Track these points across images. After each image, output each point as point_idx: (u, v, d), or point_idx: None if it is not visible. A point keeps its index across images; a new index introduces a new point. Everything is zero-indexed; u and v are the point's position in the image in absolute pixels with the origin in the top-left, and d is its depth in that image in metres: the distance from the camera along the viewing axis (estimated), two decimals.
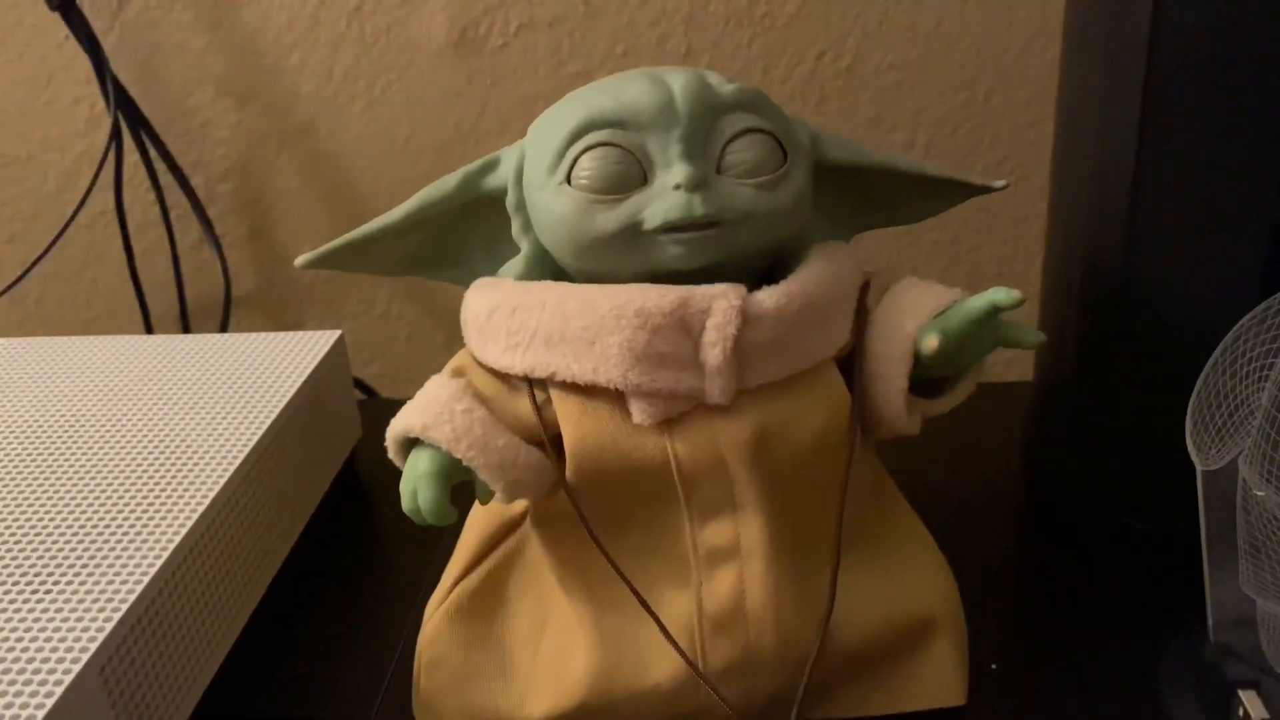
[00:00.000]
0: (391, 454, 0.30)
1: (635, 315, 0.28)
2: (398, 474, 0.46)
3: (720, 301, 0.28)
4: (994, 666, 0.33)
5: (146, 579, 0.30)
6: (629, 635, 0.30)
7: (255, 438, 0.37)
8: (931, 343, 0.29)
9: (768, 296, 0.28)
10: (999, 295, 0.29)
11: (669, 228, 0.28)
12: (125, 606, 0.28)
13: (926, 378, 0.31)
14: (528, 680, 0.31)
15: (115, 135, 0.53)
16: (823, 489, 0.30)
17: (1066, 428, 0.39)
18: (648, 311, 0.27)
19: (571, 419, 0.29)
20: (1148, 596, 0.35)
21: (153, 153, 0.55)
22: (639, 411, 0.29)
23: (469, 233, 0.33)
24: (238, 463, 0.35)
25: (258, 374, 0.41)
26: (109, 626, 0.28)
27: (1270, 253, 0.32)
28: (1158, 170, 0.33)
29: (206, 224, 0.55)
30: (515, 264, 0.31)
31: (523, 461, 0.29)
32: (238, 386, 0.40)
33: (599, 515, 0.30)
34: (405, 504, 0.29)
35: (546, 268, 0.31)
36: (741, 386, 0.28)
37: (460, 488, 0.29)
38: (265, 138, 0.57)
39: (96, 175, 0.53)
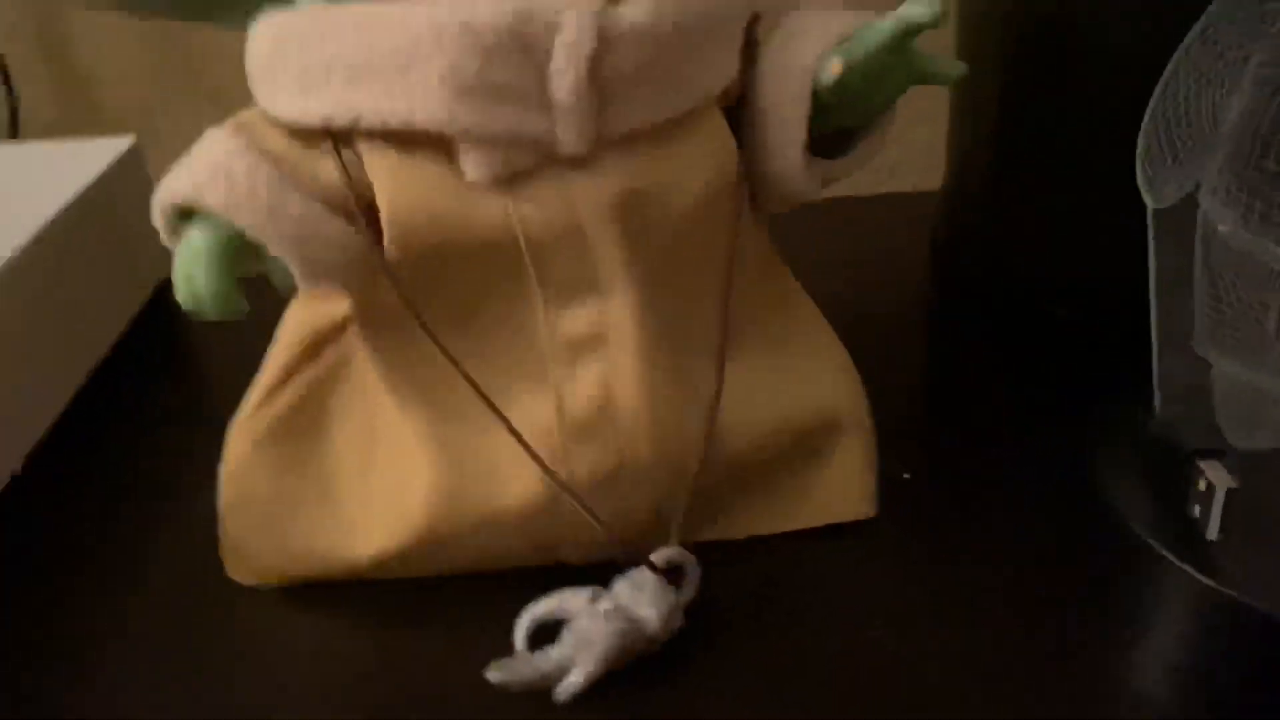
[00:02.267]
0: (163, 235, 0.24)
1: (461, 32, 0.21)
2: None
3: (570, 14, 0.21)
4: (906, 476, 0.29)
5: None
6: (476, 449, 0.24)
7: (19, 246, 0.30)
8: (835, 68, 0.24)
9: (634, 9, 0.22)
10: (915, 10, 0.23)
11: None
12: None
13: (825, 133, 0.26)
14: (356, 512, 0.26)
15: None
16: (703, 264, 0.25)
17: (981, 216, 0.34)
18: (477, 27, 0.21)
19: (387, 179, 0.23)
20: (1073, 387, 0.31)
21: None
22: (473, 165, 0.23)
23: None
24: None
25: (31, 183, 0.34)
26: None
27: None
28: None
29: None
30: None
31: (325, 234, 0.23)
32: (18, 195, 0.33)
33: (432, 304, 0.24)
34: (178, 292, 0.23)
35: None
36: (602, 133, 0.23)
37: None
38: None
39: None
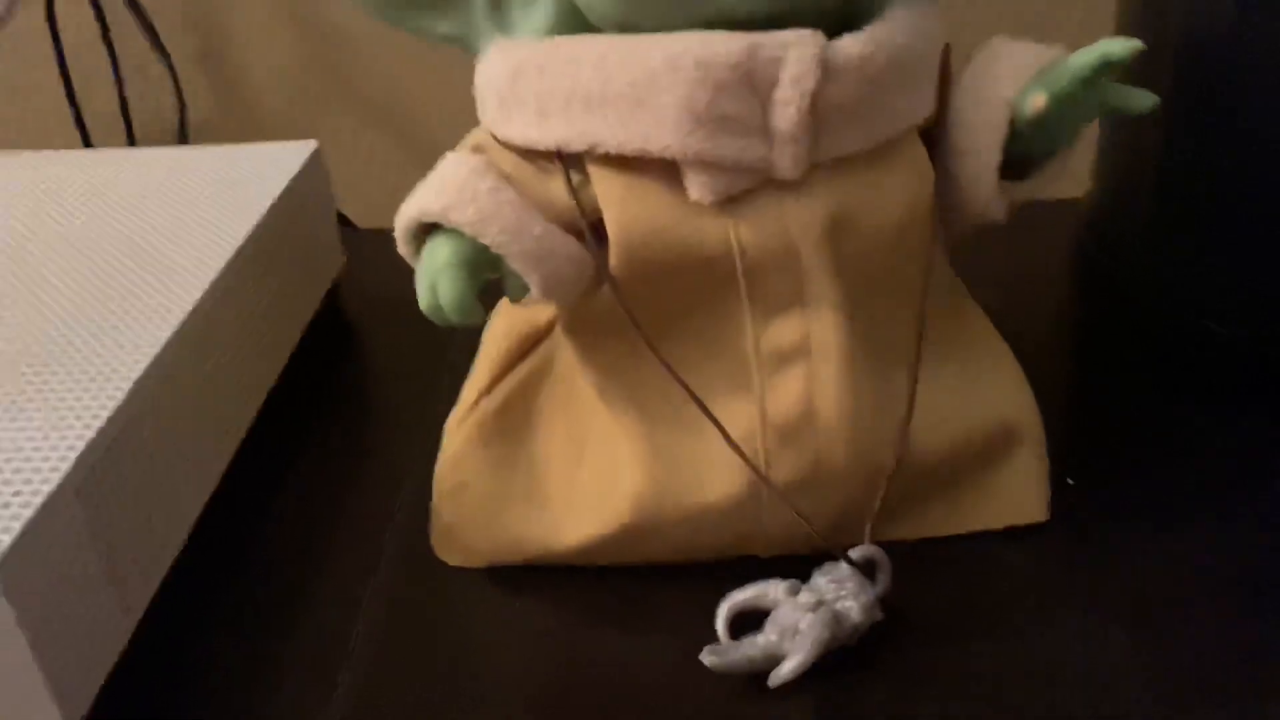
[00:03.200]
0: (401, 247, 0.26)
1: (695, 67, 0.23)
2: (387, 309, 0.43)
3: (796, 50, 0.23)
4: (1070, 481, 0.30)
5: (120, 395, 0.25)
6: (683, 449, 0.26)
7: (229, 253, 0.32)
8: (1038, 101, 0.25)
9: (852, 44, 0.23)
10: (1114, 46, 0.25)
11: None
12: (97, 424, 0.24)
13: (1008, 159, 0.27)
14: (564, 503, 0.28)
15: None
16: (900, 282, 0.27)
17: (1138, 228, 0.35)
18: (710, 62, 0.23)
19: (615, 199, 0.25)
20: (1231, 403, 0.32)
21: None
22: (697, 187, 0.24)
23: None
24: (210, 279, 0.31)
25: (227, 188, 0.36)
26: (81, 445, 0.24)
27: None
28: None
29: (155, 39, 0.49)
30: (536, 21, 0.26)
31: (561, 251, 0.25)
32: (205, 201, 0.35)
33: (646, 314, 0.26)
34: (423, 301, 0.25)
35: (576, 27, 0.26)
36: (815, 159, 0.24)
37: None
38: None
39: None
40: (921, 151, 0.26)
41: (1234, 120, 0.31)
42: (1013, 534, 0.28)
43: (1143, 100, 0.26)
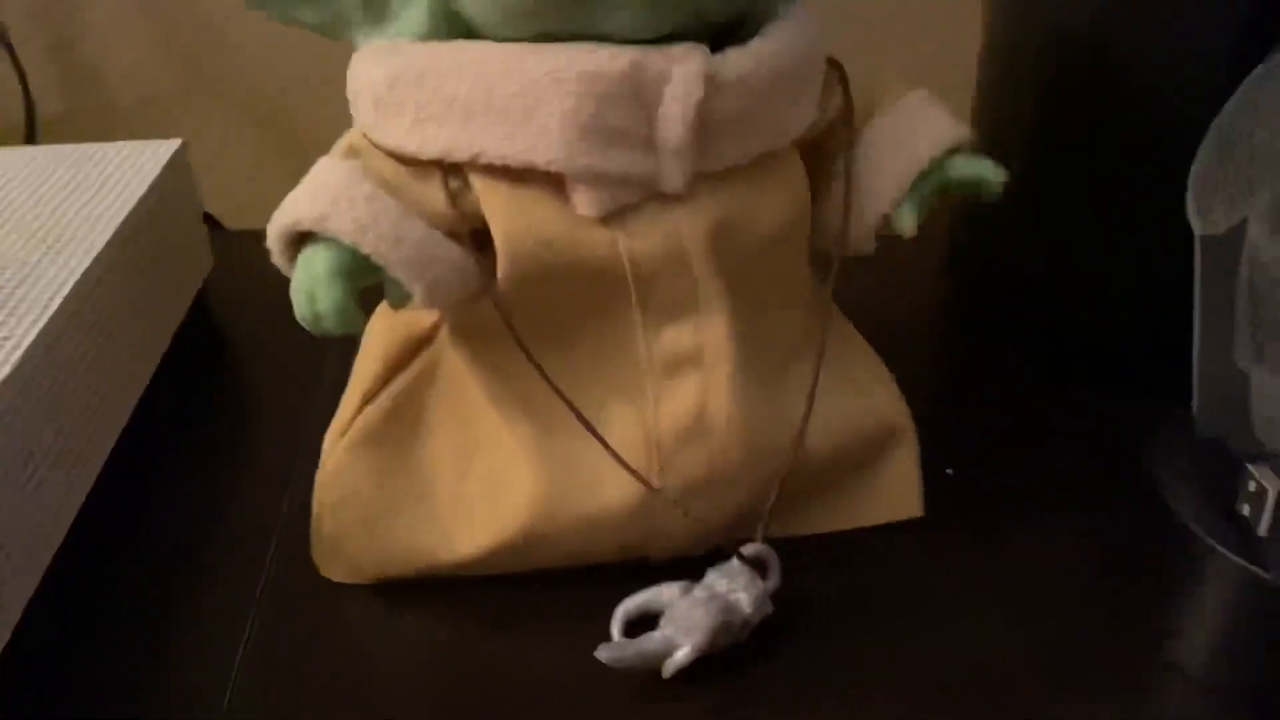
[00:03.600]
0: (275, 256, 0.25)
1: (579, 80, 0.23)
2: (257, 312, 0.41)
3: (681, 66, 0.23)
4: (949, 472, 0.31)
5: None
6: (575, 455, 0.26)
7: (88, 261, 0.30)
8: (909, 228, 0.27)
9: (736, 60, 0.24)
10: (988, 172, 0.27)
11: None
12: None
13: None
14: (454, 512, 0.27)
15: None
16: (780, 288, 0.27)
17: (1008, 223, 0.36)
18: (595, 75, 0.23)
19: (501, 210, 0.24)
20: (1099, 387, 0.34)
21: None
22: (585, 201, 0.24)
23: None
24: (70, 287, 0.29)
25: (84, 189, 0.34)
26: None
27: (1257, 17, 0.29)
28: None
29: None
30: (411, 22, 0.25)
31: (444, 257, 0.24)
32: (60, 203, 0.33)
33: (534, 323, 0.25)
34: (300, 310, 0.24)
35: (454, 28, 0.25)
36: (699, 170, 0.24)
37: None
38: None
39: None
40: (798, 164, 0.26)
41: (1095, 117, 0.33)
42: (894, 526, 0.29)
43: (995, 177, 0.27)
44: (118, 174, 0.35)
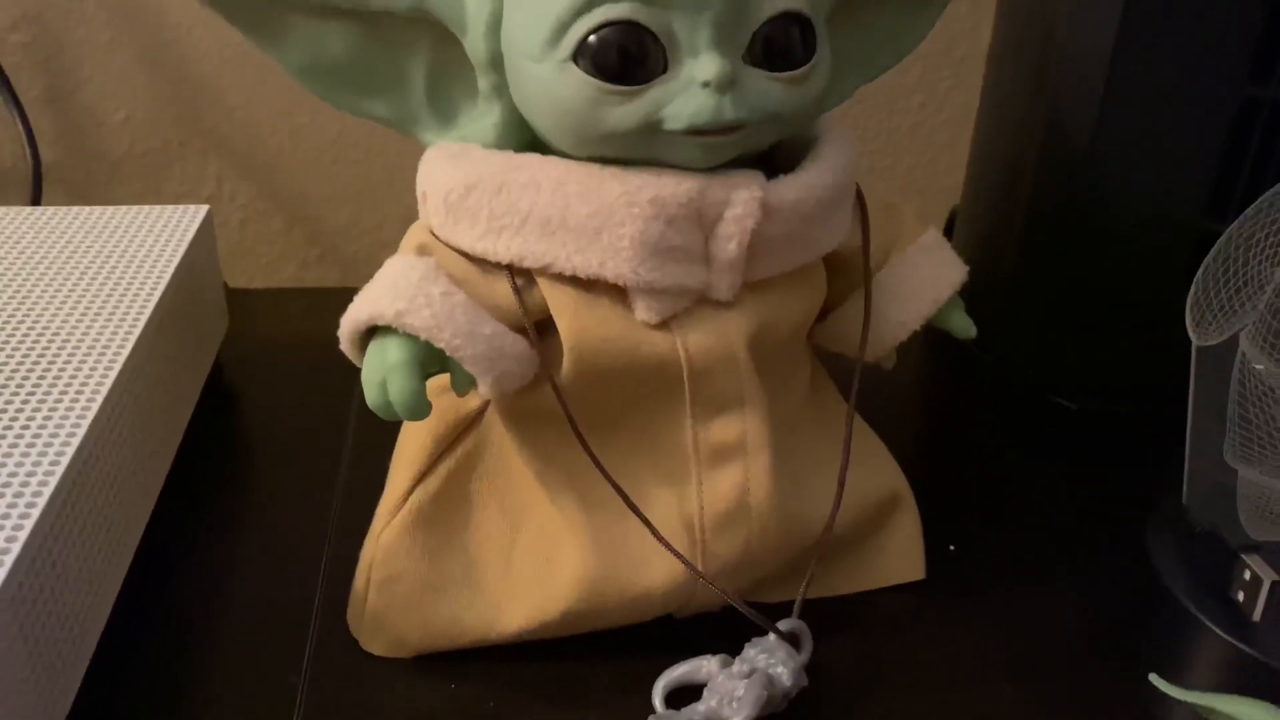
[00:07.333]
0: (345, 344, 0.26)
1: (649, 204, 0.25)
2: (269, 373, 0.42)
3: (741, 193, 0.25)
4: (952, 548, 0.33)
5: (39, 505, 0.25)
6: (623, 537, 0.28)
7: (135, 334, 0.31)
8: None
9: (788, 189, 0.26)
10: (962, 327, 0.31)
11: (693, 131, 0.25)
12: (21, 536, 0.24)
13: None
14: (501, 589, 0.29)
15: None
16: (792, 378, 0.30)
17: (997, 312, 0.39)
18: (663, 200, 0.25)
19: (568, 311, 0.26)
20: (1078, 469, 0.36)
21: None
22: (645, 309, 0.26)
23: (408, 57, 0.27)
24: (119, 365, 0.30)
25: (122, 254, 0.35)
26: (8, 559, 0.23)
27: (1236, 139, 0.33)
28: (1133, 53, 0.33)
29: (3, 84, 0.46)
30: (482, 129, 0.27)
31: (510, 351, 0.26)
32: (100, 270, 0.34)
33: (589, 412, 0.27)
34: (371, 398, 0.25)
35: (522, 138, 0.27)
36: (745, 280, 0.27)
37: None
38: None
39: None
40: (822, 272, 0.29)
41: (1085, 214, 0.35)
42: (898, 590, 0.32)
43: (966, 328, 0.32)
44: (149, 240, 0.36)
